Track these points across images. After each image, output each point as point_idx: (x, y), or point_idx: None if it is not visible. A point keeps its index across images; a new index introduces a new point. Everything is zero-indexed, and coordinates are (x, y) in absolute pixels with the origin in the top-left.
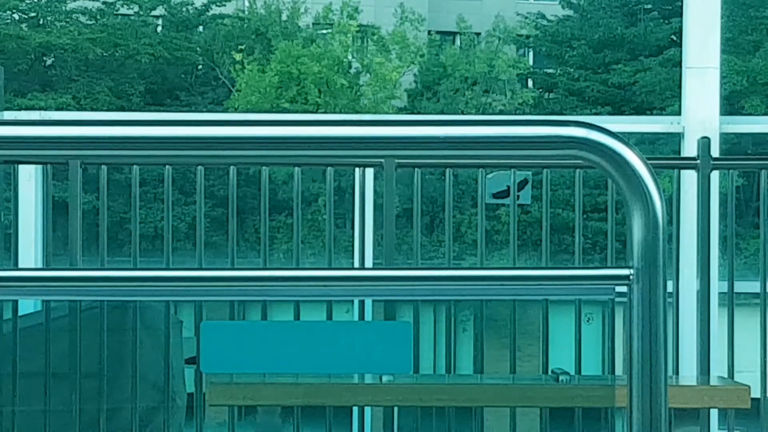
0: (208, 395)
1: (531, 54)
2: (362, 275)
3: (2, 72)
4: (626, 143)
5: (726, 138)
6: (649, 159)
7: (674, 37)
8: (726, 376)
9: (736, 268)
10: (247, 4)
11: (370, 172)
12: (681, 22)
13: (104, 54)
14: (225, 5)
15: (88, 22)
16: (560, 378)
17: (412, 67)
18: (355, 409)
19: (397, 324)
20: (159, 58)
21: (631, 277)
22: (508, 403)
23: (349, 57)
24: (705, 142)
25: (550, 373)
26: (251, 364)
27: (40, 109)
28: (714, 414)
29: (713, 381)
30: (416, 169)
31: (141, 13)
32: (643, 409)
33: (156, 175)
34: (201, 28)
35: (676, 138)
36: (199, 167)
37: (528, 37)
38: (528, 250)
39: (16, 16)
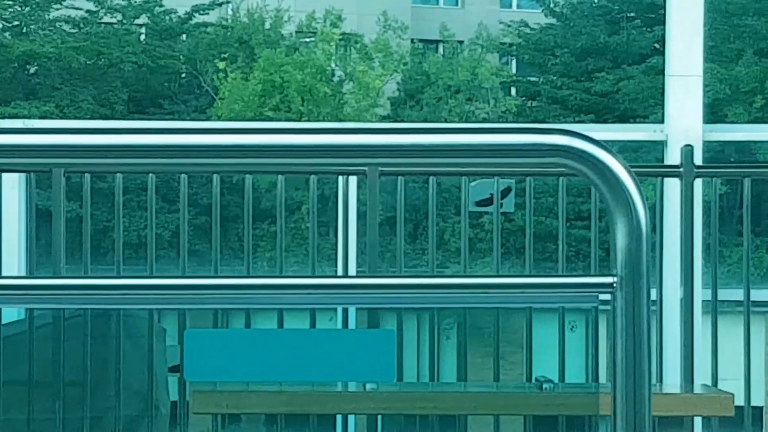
0: (191, 403)
1: (514, 62)
2: (346, 283)
3: None
4: (609, 151)
5: (709, 146)
6: (632, 167)
7: (657, 46)
8: (710, 383)
9: (719, 276)
10: (230, 12)
11: (353, 180)
12: (664, 30)
13: (87, 62)
14: (208, 14)
15: (72, 30)
16: (544, 386)
17: (395, 75)
18: (339, 417)
19: (381, 332)
20: (142, 66)
21: (614, 284)
22: (492, 410)
23: (332, 65)
24: (688, 150)
25: (533, 380)
26: (235, 372)
27: (24, 117)
28: (698, 422)
29: (697, 389)
30: (399, 177)
31: (124, 21)
32: (627, 416)
33: (139, 184)
34: (184, 36)
35: (660, 146)
36: (183, 175)
37: (511, 45)
38: (511, 258)
39: None
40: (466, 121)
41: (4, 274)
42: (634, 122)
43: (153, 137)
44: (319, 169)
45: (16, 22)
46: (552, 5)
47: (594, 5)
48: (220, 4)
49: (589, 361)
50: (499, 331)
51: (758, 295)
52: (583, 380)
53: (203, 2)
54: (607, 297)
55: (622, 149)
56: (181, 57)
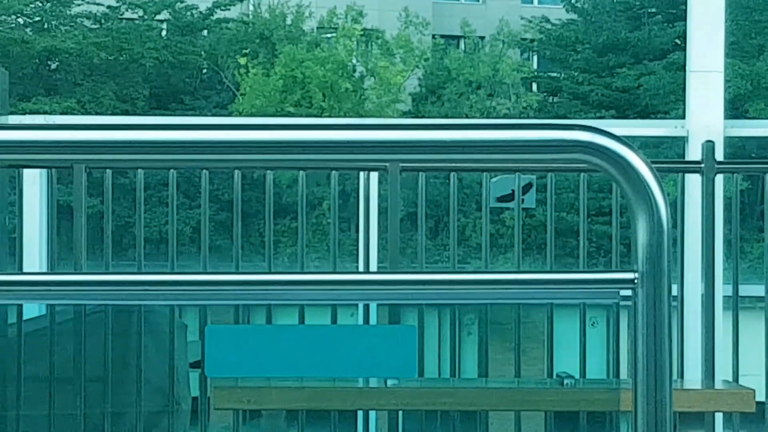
0: (212, 399)
1: (535, 58)
2: (367, 279)
3: (7, 76)
4: (630, 147)
5: (730, 142)
6: (653, 162)
7: (678, 41)
8: (731, 379)
9: (740, 271)
10: (251, 8)
11: (374, 176)
12: (685, 25)
13: (109, 58)
14: (229, 9)
15: (93, 26)
16: (565, 382)
17: (416, 70)
18: (360, 413)
19: (402, 328)
20: (163, 62)
21: (635, 280)
22: (513, 406)
23: (354, 61)
24: (709, 146)
25: (554, 376)
26: (256, 368)
27: (45, 113)
28: (719, 417)
29: (718, 385)
30: (421, 173)
31: (145, 17)
32: (648, 412)
33: (160, 179)
34: (205, 32)
35: (681, 142)
36: (204, 171)
37: (532, 40)
38: (532, 254)
39: (20, 20)
40: (488, 117)
41: (25, 269)
42: (655, 118)
43: (174, 133)
44: (340, 165)
45: (38, 18)
46: (573, 1)
47: (615, 1)
48: (242, 0)
49: (610, 357)
50: (520, 326)
51: None
52: (604, 376)
53: None
54: (628, 293)
55: (643, 145)
56: (203, 53)
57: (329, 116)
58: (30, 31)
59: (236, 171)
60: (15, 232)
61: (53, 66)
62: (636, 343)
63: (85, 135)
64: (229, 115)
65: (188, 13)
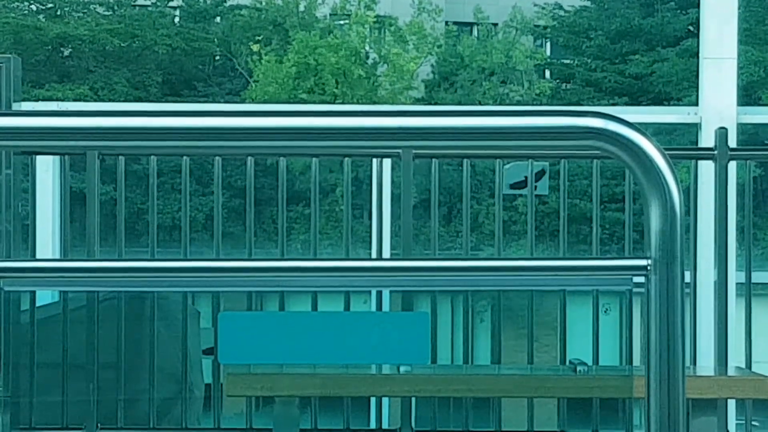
0: (225, 386)
1: (548, 44)
2: (380, 266)
3: (20, 63)
4: (643, 134)
5: (743, 128)
6: (666, 149)
7: (691, 28)
8: (743, 366)
9: (753, 258)
10: None
11: (387, 163)
12: (698, 12)
13: (122, 45)
14: None
15: (106, 12)
16: (578, 368)
17: (429, 57)
18: (373, 400)
19: (415, 314)
20: (176, 48)
21: (648, 267)
22: (526, 393)
23: (367, 48)
24: (722, 133)
25: (567, 363)
26: (269, 355)
27: (58, 99)
28: (731, 404)
29: (731, 371)
30: (434, 160)
31: (158, 3)
32: (661, 399)
33: (173, 166)
34: (218, 18)
35: (694, 128)
36: (217, 158)
37: (545, 27)
38: (545, 241)
39: (33, 7)
40: (501, 104)
41: (38, 256)
42: (668, 105)
43: (187, 120)
44: (353, 151)
45: (51, 5)
46: None
47: None
48: None
49: (623, 343)
50: (532, 313)
51: None
52: (617, 363)
53: None
54: (641, 280)
55: (656, 132)
56: (215, 39)
57: (342, 103)
58: (43, 17)
59: (249, 158)
60: (28, 219)
61: (66, 53)
62: (649, 329)
63: (98, 122)
64: (242, 101)
65: (201, 0)
